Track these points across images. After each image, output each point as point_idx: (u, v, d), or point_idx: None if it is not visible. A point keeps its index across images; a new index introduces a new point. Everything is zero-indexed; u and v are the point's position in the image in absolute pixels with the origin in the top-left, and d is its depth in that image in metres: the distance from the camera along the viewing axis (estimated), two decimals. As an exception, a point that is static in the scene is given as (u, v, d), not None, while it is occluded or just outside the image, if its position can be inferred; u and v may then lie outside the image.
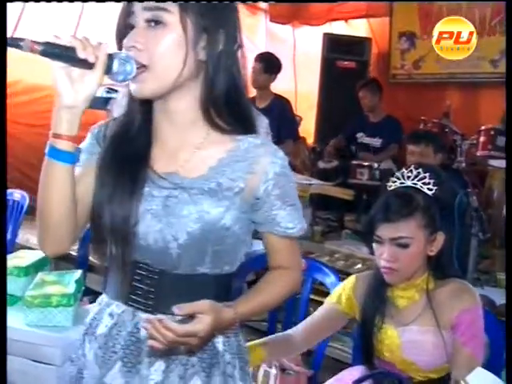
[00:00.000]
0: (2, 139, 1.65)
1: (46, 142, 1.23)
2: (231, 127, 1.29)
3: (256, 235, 1.36)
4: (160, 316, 1.22)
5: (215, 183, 1.26)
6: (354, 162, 5.37)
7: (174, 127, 1.30)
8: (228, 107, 1.28)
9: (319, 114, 7.05)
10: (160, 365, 1.28)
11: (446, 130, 4.74)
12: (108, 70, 1.17)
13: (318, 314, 2.01)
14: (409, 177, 1.88)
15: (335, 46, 6.90)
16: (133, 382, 1.29)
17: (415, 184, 1.86)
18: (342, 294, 2.00)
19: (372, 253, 1.93)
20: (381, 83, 5.90)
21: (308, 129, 6.86)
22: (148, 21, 1.21)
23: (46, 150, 1.21)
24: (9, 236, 3.51)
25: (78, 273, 2.35)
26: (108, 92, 3.26)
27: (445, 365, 1.83)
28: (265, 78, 4.98)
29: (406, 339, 1.85)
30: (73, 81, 1.16)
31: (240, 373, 1.35)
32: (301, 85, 7.39)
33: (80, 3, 5.21)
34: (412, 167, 1.89)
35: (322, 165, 5.82)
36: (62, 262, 3.35)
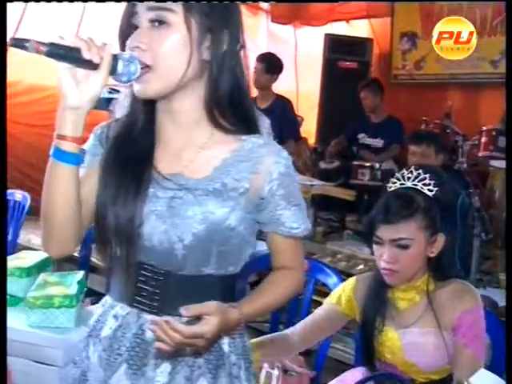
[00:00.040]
0: (2, 139, 1.64)
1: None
2: (235, 127, 1.29)
3: (258, 236, 1.36)
4: (166, 317, 1.22)
5: (220, 183, 1.25)
6: (356, 163, 5.36)
7: (178, 127, 1.29)
8: (232, 107, 1.28)
9: (321, 115, 7.04)
10: (166, 366, 1.28)
11: (448, 130, 4.74)
12: (112, 71, 1.17)
13: (317, 314, 2.01)
14: (409, 178, 1.87)
15: (336, 46, 6.89)
16: None
17: (415, 185, 1.85)
18: (342, 295, 1.99)
19: (373, 253, 1.93)
20: (382, 84, 5.90)
21: (309, 129, 6.86)
22: (152, 21, 1.21)
23: (51, 151, 1.21)
24: (10, 237, 3.50)
25: (80, 274, 2.34)
26: (110, 92, 3.26)
27: (446, 366, 1.83)
28: (266, 78, 4.98)
29: (407, 341, 1.84)
30: (78, 82, 1.16)
31: (245, 373, 1.35)
32: (302, 85, 7.39)
33: (81, 4, 5.21)
34: (412, 168, 1.89)
35: (323, 165, 5.82)
36: (63, 262, 3.35)
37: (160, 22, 1.20)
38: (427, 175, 1.85)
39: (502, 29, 6.00)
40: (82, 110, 1.18)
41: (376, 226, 1.85)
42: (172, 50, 1.20)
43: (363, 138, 5.70)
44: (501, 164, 4.45)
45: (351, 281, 2.02)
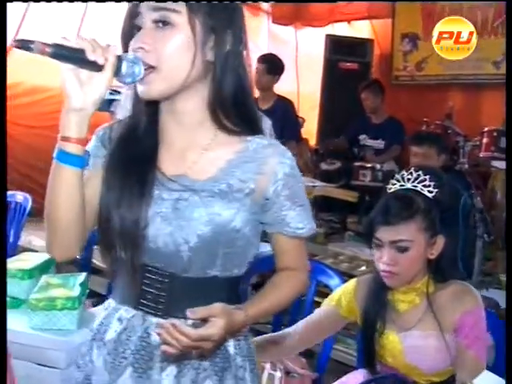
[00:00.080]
0: (2, 141, 1.64)
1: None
2: (238, 128, 1.29)
3: (262, 238, 1.36)
4: (171, 320, 1.21)
5: (226, 185, 1.25)
6: (357, 164, 5.35)
7: (181, 128, 1.29)
8: (235, 108, 1.28)
9: (321, 116, 7.03)
10: (172, 370, 1.27)
11: (449, 131, 4.74)
12: (116, 72, 1.17)
13: (317, 315, 2.00)
14: (409, 179, 1.86)
15: (337, 47, 6.88)
16: None
17: (415, 186, 1.84)
18: (343, 297, 1.98)
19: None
20: (383, 85, 5.89)
21: (310, 130, 6.85)
22: (156, 22, 1.20)
23: (55, 154, 1.20)
24: (11, 238, 3.50)
25: (83, 276, 2.33)
26: (111, 94, 3.25)
27: (448, 368, 1.82)
28: (268, 79, 4.98)
29: (408, 344, 1.84)
30: (82, 83, 1.16)
31: (251, 375, 1.35)
32: (303, 86, 7.39)
33: (82, 4, 5.21)
34: (412, 169, 1.88)
35: (324, 166, 5.81)
36: (64, 264, 3.35)
37: (164, 23, 1.19)
38: (427, 176, 1.84)
39: (503, 29, 5.99)
40: (86, 112, 1.17)
41: (375, 228, 1.84)
42: (176, 51, 1.20)
43: (364, 139, 5.69)
44: (502, 165, 4.45)
45: (352, 283, 2.02)
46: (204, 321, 1.19)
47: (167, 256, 1.25)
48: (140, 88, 1.23)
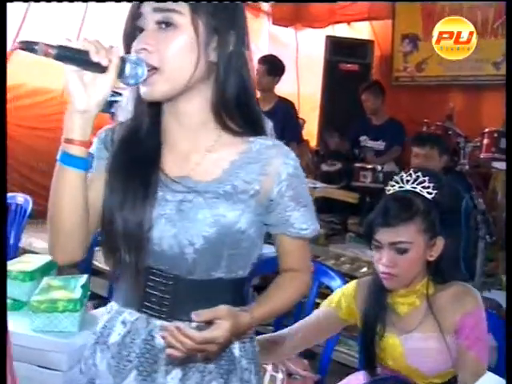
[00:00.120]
0: (3, 142, 1.63)
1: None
2: (242, 129, 1.28)
3: (266, 239, 1.36)
4: (176, 323, 1.21)
5: (230, 186, 1.25)
6: (358, 165, 5.34)
7: (184, 129, 1.29)
8: (238, 109, 1.27)
9: (322, 117, 7.03)
10: (177, 373, 1.26)
11: (450, 132, 4.73)
12: (120, 74, 1.17)
13: (316, 316, 1.99)
14: (408, 181, 1.85)
15: (338, 48, 6.88)
16: None
17: (414, 188, 1.83)
18: (342, 299, 1.98)
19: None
20: (383, 86, 5.89)
21: (311, 131, 6.86)
22: (158, 23, 1.20)
23: (58, 156, 1.19)
24: (12, 240, 3.50)
25: (84, 278, 2.33)
26: (112, 95, 3.25)
27: (449, 370, 1.82)
28: (268, 80, 4.97)
29: (409, 347, 1.83)
30: (85, 85, 1.15)
31: (256, 378, 1.34)
32: (303, 87, 7.40)
33: (82, 4, 5.21)
34: (411, 171, 1.87)
35: (325, 167, 5.81)
36: (65, 266, 3.34)
37: (167, 24, 1.19)
38: (426, 178, 1.83)
39: (503, 30, 5.99)
40: (89, 114, 1.17)
41: (375, 230, 1.83)
42: (179, 52, 1.20)
43: (365, 140, 5.69)
44: (503, 166, 4.44)
45: (352, 285, 2.01)
46: (209, 323, 1.19)
47: (172, 258, 1.24)
48: (143, 89, 1.23)
